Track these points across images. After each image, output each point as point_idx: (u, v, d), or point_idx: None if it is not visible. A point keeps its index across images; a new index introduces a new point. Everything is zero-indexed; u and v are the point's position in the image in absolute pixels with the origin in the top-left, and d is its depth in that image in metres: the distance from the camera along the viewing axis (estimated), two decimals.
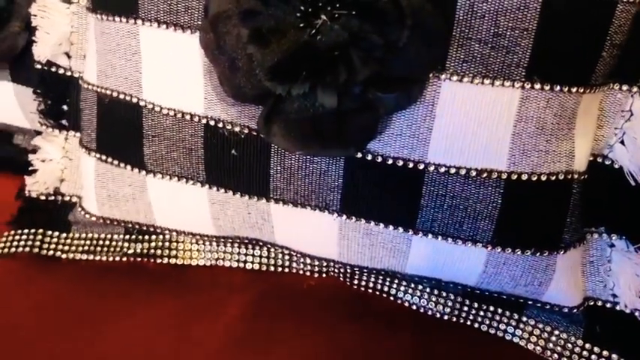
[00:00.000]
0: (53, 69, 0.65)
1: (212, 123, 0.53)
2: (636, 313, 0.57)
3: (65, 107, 0.66)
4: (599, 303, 0.58)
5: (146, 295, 0.64)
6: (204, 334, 0.60)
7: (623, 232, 0.57)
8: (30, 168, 0.68)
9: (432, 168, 0.50)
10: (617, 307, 0.58)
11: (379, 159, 0.50)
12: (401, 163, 0.50)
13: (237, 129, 0.53)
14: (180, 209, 0.60)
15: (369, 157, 0.50)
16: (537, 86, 0.48)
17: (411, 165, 0.50)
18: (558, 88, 0.48)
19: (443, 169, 0.50)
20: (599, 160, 0.56)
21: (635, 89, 0.54)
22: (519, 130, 0.49)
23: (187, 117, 0.54)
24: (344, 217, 0.54)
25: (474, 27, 0.46)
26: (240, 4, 0.46)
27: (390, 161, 0.50)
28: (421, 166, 0.50)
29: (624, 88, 0.53)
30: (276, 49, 0.46)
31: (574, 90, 0.49)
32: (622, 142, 0.55)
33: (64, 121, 0.67)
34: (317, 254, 0.60)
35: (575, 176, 0.52)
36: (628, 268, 0.56)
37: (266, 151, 0.52)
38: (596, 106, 0.54)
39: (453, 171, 0.50)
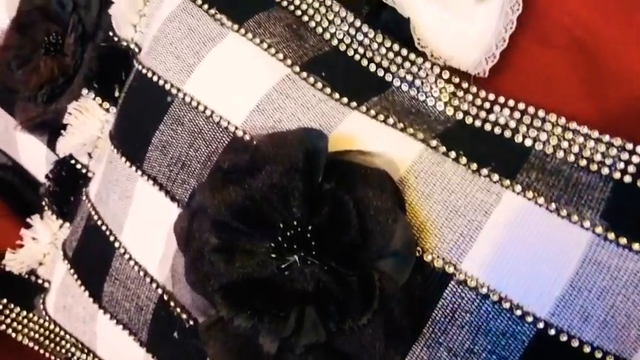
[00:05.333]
0: (72, 161, 0.64)
1: (165, 297, 0.50)
2: None
3: (72, 199, 0.65)
4: None
5: None
6: None
7: None
8: (17, 241, 0.67)
9: None
10: None
11: None
12: None
13: (184, 315, 0.49)
14: (118, 354, 0.57)
15: None
16: None
17: None
18: None
19: None
20: None
21: None
22: None
23: (148, 279, 0.51)
24: None
25: (449, 334, 0.40)
26: (217, 211, 0.43)
27: None
28: None
29: None
30: (240, 269, 0.43)
31: None
32: None
33: (66, 209, 0.66)
34: None
35: None
36: None
37: (203, 353, 0.48)
38: None
39: None
